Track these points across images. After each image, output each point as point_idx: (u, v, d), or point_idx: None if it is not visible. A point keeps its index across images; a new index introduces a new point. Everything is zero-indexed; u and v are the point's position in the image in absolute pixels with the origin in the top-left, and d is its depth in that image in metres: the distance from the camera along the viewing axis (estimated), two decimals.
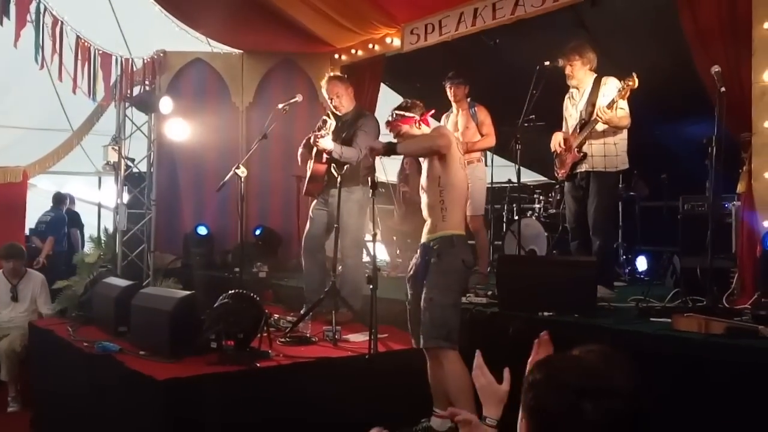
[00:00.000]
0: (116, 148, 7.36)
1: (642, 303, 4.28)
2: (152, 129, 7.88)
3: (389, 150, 3.82)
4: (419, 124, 3.90)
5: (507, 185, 7.73)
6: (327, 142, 4.80)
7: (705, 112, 6.37)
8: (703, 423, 3.12)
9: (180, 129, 7.33)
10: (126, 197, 7.84)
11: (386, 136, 4.41)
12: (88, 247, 7.73)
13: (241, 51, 8.08)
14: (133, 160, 7.76)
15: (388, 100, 7.45)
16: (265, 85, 8.06)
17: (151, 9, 7.44)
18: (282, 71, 8.09)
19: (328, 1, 6.73)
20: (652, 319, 3.86)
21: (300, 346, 4.15)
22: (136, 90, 7.80)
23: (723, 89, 4.00)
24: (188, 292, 3.82)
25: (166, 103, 7.20)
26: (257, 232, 7.70)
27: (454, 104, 6.01)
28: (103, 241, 7.68)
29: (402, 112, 3.91)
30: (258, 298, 3.84)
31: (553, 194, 7.23)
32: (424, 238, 3.83)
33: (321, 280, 5.11)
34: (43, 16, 5.79)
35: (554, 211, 7.08)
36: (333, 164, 4.93)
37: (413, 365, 3.80)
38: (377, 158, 4.35)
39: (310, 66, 7.93)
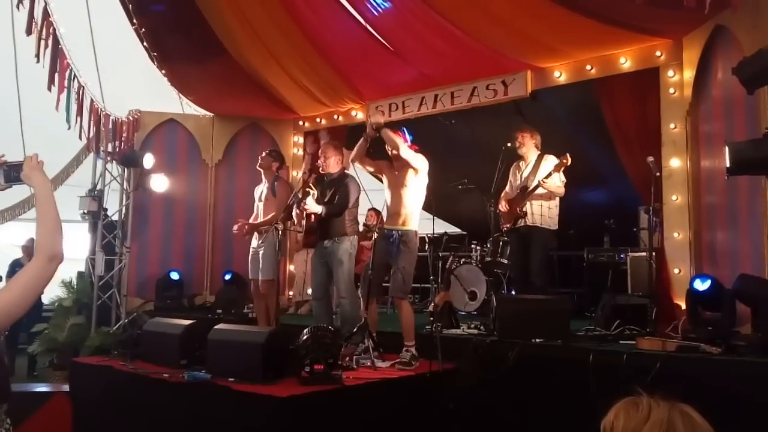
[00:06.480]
0: (96, 198, 7.85)
1: (591, 332, 5.69)
2: (126, 181, 8.43)
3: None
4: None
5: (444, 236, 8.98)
6: (314, 207, 5.82)
7: (600, 184, 8.19)
8: None
9: (161, 183, 8.04)
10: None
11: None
12: (60, 291, 8.06)
13: (212, 114, 8.87)
14: (106, 210, 8.25)
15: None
16: (233, 145, 8.92)
17: (126, 68, 8.10)
18: (249, 133, 8.99)
19: (305, 70, 7.68)
20: (621, 341, 5.21)
21: (345, 372, 5.06)
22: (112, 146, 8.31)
23: (658, 174, 5.53)
24: (274, 328, 4.68)
25: (148, 160, 7.91)
26: (227, 277, 8.36)
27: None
28: (74, 286, 8.08)
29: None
30: (336, 330, 4.79)
31: (488, 245, 8.54)
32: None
33: (329, 321, 6.02)
34: (73, 82, 6.33)
35: (490, 259, 8.37)
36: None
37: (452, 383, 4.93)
38: None
39: (274, 129, 8.93)
